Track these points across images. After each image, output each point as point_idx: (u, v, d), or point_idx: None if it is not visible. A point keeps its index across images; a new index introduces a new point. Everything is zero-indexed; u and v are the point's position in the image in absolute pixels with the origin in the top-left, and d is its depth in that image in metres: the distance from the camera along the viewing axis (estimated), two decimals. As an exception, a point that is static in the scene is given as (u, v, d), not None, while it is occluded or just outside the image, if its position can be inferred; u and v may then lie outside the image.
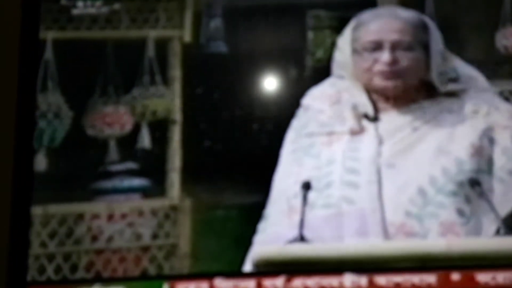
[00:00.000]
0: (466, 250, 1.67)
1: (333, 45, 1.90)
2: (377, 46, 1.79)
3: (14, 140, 1.87)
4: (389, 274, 1.69)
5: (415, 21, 1.81)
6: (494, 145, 1.77)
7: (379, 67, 1.79)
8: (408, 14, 1.82)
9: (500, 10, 1.91)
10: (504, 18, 1.90)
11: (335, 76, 1.86)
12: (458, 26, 1.85)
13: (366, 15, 1.84)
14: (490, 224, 1.72)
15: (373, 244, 1.71)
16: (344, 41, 1.85)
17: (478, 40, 1.89)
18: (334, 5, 1.94)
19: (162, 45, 1.95)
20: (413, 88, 1.81)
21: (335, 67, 1.86)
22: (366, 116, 1.82)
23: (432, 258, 1.68)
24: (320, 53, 1.92)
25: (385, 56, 1.78)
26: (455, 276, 1.68)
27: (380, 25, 1.81)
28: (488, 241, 1.70)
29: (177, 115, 1.92)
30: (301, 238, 1.72)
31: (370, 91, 1.82)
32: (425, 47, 1.80)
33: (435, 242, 1.70)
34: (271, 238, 1.76)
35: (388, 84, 1.80)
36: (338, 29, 1.90)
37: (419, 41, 1.80)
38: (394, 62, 1.78)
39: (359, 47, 1.81)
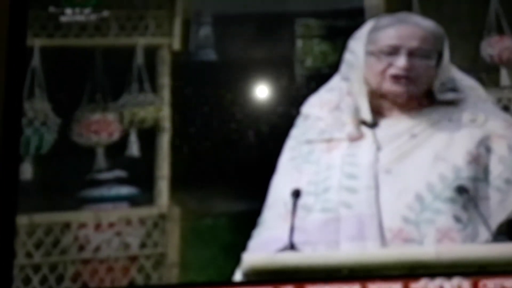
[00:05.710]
0: (456, 257, 1.67)
1: (321, 53, 1.92)
2: (394, 51, 1.80)
3: (0, 148, 1.84)
4: (380, 282, 1.69)
5: (435, 30, 1.82)
6: (491, 154, 1.78)
7: (393, 71, 1.80)
8: (428, 23, 1.83)
9: (485, 19, 1.93)
10: (489, 27, 1.93)
11: (340, 77, 1.86)
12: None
13: (385, 20, 1.84)
14: (486, 231, 1.72)
15: (363, 252, 1.70)
16: (358, 43, 1.84)
17: (464, 49, 1.91)
18: (323, 13, 1.96)
19: (151, 53, 1.94)
20: (417, 96, 1.82)
21: (344, 68, 1.86)
22: (364, 122, 1.82)
23: (421, 266, 1.67)
24: (309, 61, 1.93)
25: (401, 61, 1.79)
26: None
27: (401, 30, 1.80)
28: (477, 248, 1.70)
29: (166, 123, 1.91)
30: (291, 247, 1.71)
31: (377, 95, 1.83)
32: (439, 57, 1.81)
33: (425, 250, 1.69)
34: (267, 241, 1.74)
35: (398, 89, 1.80)
36: (326, 37, 1.91)
37: (436, 51, 1.81)
38: (409, 68, 1.79)
39: (376, 50, 1.81)
